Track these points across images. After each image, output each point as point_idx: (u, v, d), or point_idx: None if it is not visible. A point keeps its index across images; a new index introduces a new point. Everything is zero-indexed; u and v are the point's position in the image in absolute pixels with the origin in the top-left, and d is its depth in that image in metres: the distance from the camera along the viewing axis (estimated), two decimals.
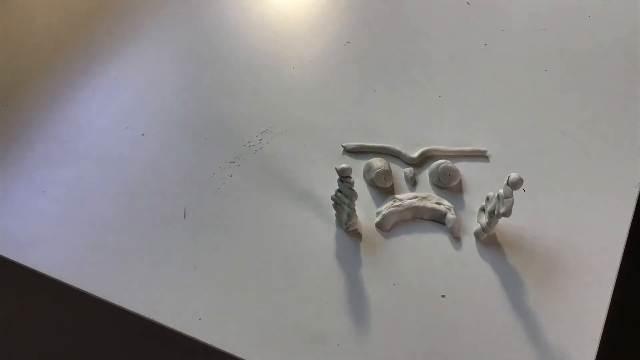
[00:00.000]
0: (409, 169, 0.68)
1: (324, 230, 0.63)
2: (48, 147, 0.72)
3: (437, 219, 0.64)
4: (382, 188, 0.67)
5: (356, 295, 0.58)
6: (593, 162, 0.69)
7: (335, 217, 0.64)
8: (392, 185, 0.67)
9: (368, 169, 0.67)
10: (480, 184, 0.67)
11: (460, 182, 0.67)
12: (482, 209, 0.63)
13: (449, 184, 0.66)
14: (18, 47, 0.86)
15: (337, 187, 0.60)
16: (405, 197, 0.65)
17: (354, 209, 0.61)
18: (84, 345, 0.74)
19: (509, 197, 0.57)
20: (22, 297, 0.72)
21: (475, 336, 0.55)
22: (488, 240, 0.62)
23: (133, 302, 0.58)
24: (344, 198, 0.60)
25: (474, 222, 0.64)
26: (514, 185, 0.54)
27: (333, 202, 0.61)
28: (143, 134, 0.74)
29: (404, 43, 0.85)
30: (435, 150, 0.70)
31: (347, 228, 0.63)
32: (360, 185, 0.67)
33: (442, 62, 0.82)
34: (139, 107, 0.77)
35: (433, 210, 0.64)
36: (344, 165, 0.57)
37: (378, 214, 0.64)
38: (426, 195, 0.65)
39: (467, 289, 0.59)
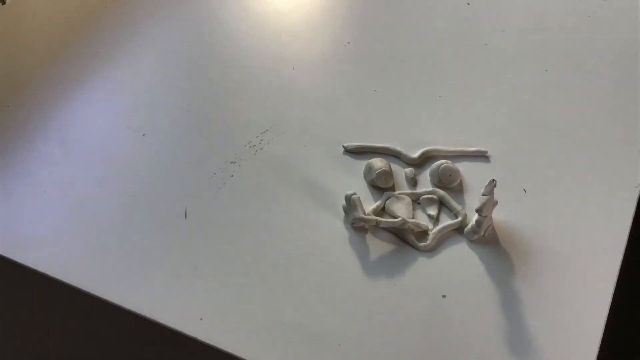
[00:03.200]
0: (409, 170, 0.68)
1: (325, 231, 0.63)
2: (49, 148, 0.72)
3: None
4: (383, 188, 0.67)
5: (357, 296, 0.58)
6: (593, 163, 0.69)
7: (343, 211, 0.64)
8: (393, 185, 0.67)
9: (369, 169, 0.67)
10: (481, 184, 0.66)
11: (460, 182, 0.67)
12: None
13: (449, 185, 0.67)
14: (19, 48, 0.86)
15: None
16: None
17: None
18: (83, 345, 0.74)
19: (486, 195, 0.58)
20: (22, 297, 0.72)
21: (476, 337, 0.55)
22: (489, 240, 0.62)
23: (133, 302, 0.58)
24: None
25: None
26: (487, 185, 0.58)
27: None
28: (144, 134, 0.74)
29: (404, 43, 0.85)
30: (435, 150, 0.70)
31: (353, 223, 0.63)
32: (360, 186, 0.67)
33: (442, 62, 0.82)
34: (140, 108, 0.77)
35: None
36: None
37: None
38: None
39: (468, 289, 0.59)
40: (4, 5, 0.91)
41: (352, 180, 0.68)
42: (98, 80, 0.81)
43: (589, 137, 0.71)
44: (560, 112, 0.74)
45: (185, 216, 0.65)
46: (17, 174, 0.70)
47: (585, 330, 0.56)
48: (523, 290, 0.58)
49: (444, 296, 0.58)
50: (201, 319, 0.57)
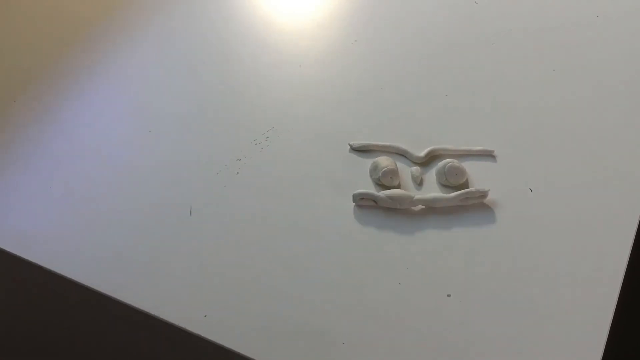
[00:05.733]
0: (415, 168, 0.68)
1: (330, 228, 0.63)
2: (55, 144, 0.72)
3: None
4: (389, 187, 0.66)
5: (362, 294, 0.58)
6: (601, 163, 0.68)
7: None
8: (399, 184, 0.67)
9: (374, 167, 0.67)
10: (487, 183, 0.67)
11: (467, 181, 0.67)
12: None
13: (455, 183, 0.66)
14: (25, 44, 0.86)
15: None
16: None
17: None
18: (87, 341, 0.74)
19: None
20: (25, 292, 0.72)
21: (480, 337, 0.55)
22: (495, 239, 0.62)
23: (137, 298, 0.58)
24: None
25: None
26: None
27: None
28: (150, 131, 0.74)
29: (411, 41, 0.85)
30: (442, 149, 0.70)
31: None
32: (366, 184, 0.67)
33: (449, 61, 0.82)
34: (146, 104, 0.77)
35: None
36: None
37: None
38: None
39: (473, 288, 0.58)
40: (11, 3, 0.91)
41: (357, 178, 0.68)
42: (104, 76, 0.81)
43: (596, 138, 0.71)
44: (568, 112, 0.74)
45: (191, 213, 0.65)
46: (23, 169, 0.70)
47: (591, 330, 0.55)
48: (528, 290, 0.58)
49: (448, 295, 0.58)
50: (205, 316, 0.57)
